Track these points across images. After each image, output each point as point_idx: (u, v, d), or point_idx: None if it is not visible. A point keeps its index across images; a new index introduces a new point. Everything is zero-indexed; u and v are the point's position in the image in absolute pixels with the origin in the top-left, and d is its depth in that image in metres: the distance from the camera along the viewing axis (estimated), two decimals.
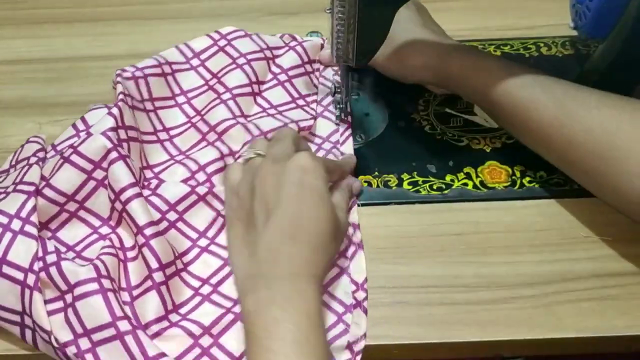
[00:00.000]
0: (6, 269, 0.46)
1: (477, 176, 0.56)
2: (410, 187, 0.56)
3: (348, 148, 0.58)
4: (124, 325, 0.44)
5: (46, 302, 0.46)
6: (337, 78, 0.62)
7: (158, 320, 0.47)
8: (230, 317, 0.47)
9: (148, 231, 0.48)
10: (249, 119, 0.58)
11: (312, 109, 0.61)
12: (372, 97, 0.63)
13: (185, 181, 0.53)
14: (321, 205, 0.45)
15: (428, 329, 0.47)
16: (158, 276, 0.47)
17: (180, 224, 0.52)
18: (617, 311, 0.47)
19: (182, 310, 0.48)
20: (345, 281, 0.49)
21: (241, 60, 0.61)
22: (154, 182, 0.54)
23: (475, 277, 0.50)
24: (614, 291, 0.48)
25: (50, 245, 0.47)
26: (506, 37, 0.68)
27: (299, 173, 0.45)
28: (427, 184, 0.56)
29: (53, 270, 0.46)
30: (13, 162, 0.55)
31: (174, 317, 0.47)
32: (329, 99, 0.62)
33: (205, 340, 0.46)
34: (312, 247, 0.43)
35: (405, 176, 0.56)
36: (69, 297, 0.45)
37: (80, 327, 0.44)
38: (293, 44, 0.65)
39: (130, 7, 0.72)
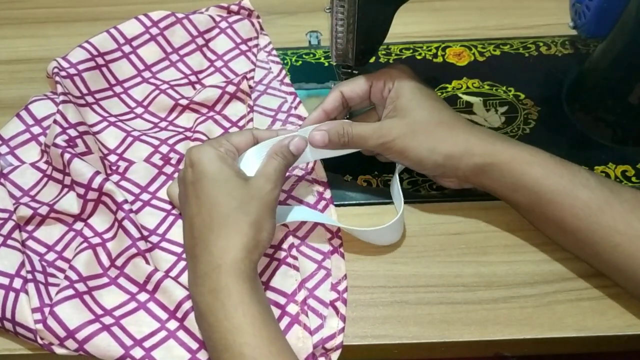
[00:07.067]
0: None
1: None
2: (410, 186, 0.56)
3: (302, 110, 0.61)
4: (108, 320, 0.46)
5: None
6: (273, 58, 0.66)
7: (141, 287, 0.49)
8: None
9: (127, 206, 0.50)
10: (190, 98, 0.61)
11: (253, 59, 0.66)
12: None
13: (150, 156, 0.56)
14: (215, 187, 0.45)
15: (428, 328, 0.47)
16: (142, 244, 0.49)
17: (154, 201, 0.54)
18: (617, 310, 0.47)
19: (171, 275, 0.49)
20: (321, 231, 0.52)
21: (174, 57, 0.64)
22: (122, 164, 0.56)
23: (475, 277, 0.50)
24: (613, 290, 0.48)
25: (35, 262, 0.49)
26: (505, 37, 0.68)
27: (189, 169, 0.46)
28: (427, 184, 0.56)
29: (31, 286, 0.47)
30: None
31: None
32: (270, 77, 0.64)
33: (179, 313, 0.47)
34: (214, 236, 0.43)
35: (405, 176, 0.56)
36: (47, 310, 0.46)
37: (63, 330, 0.45)
38: (223, 25, 0.66)
39: (130, 6, 0.72)
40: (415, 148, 0.49)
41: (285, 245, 0.50)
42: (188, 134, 0.58)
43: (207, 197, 0.44)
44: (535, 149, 0.48)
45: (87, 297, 0.47)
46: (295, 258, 0.50)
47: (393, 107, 0.51)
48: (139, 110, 0.61)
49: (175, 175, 0.56)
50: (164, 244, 0.51)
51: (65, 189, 0.53)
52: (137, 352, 0.45)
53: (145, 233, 0.51)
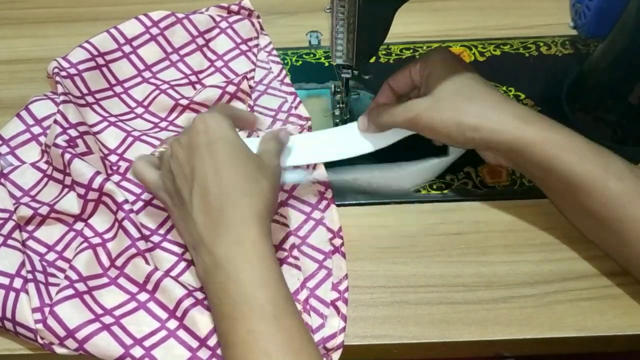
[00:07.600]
0: None
1: (477, 175, 0.56)
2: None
3: (302, 110, 0.61)
4: (108, 319, 0.46)
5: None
6: (274, 58, 0.66)
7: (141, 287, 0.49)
8: None
9: (127, 206, 0.50)
10: (190, 98, 0.61)
11: (253, 60, 0.66)
12: (372, 96, 0.63)
13: None
14: (233, 149, 0.45)
15: (428, 328, 0.47)
16: (142, 244, 0.49)
17: (156, 201, 0.54)
18: (617, 310, 0.47)
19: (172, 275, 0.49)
20: (322, 231, 0.52)
21: (175, 57, 0.64)
22: (123, 164, 0.56)
23: (475, 277, 0.50)
24: (614, 291, 0.48)
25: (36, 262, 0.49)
26: (506, 37, 0.68)
27: (202, 133, 0.46)
28: (427, 183, 0.56)
29: (31, 286, 0.47)
30: None
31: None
32: (270, 77, 0.65)
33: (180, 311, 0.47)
34: (240, 192, 0.44)
35: None
36: (47, 309, 0.46)
37: (63, 330, 0.45)
38: (223, 25, 0.67)
39: (130, 6, 0.72)
40: (441, 122, 0.49)
41: (286, 245, 0.50)
42: None
43: (227, 156, 0.45)
44: (572, 132, 0.47)
45: (87, 297, 0.47)
46: (297, 258, 0.50)
47: (426, 85, 0.52)
48: (139, 110, 0.61)
49: None
50: (165, 244, 0.51)
51: (66, 189, 0.53)
52: (137, 351, 0.45)
53: (147, 233, 0.51)
